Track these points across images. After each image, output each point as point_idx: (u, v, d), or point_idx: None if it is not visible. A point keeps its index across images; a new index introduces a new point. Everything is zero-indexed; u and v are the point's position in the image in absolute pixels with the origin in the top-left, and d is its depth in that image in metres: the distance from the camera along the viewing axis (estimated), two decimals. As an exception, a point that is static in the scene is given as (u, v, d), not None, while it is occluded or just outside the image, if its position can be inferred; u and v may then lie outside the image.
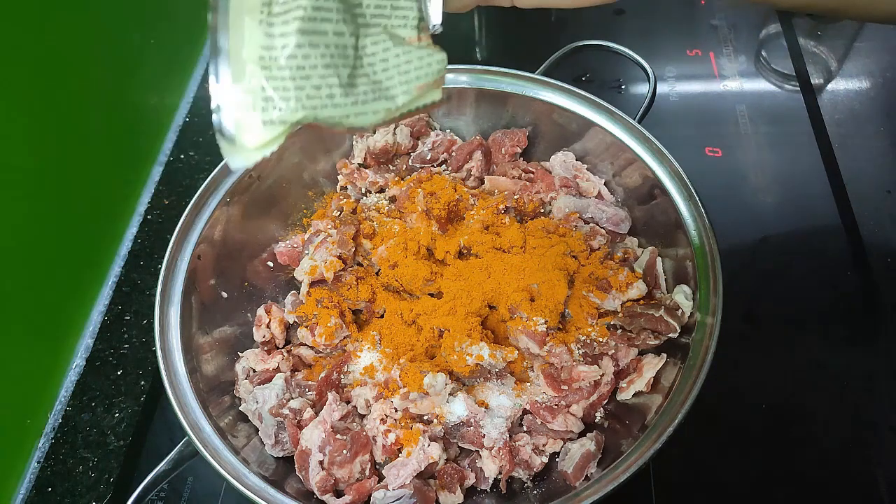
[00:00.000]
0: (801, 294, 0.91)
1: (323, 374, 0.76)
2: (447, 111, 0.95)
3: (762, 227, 0.98)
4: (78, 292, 0.97)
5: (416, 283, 0.80)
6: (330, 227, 0.87)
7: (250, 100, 0.44)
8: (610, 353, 0.75)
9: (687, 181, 0.77)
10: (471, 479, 0.71)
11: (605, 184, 0.88)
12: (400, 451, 0.70)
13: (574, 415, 0.73)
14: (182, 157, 1.15)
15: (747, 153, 1.05)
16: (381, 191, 0.94)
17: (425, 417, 0.72)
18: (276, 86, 0.44)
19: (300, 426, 0.72)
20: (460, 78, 0.91)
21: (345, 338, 0.80)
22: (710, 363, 0.66)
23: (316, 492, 0.68)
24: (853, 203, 0.98)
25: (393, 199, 0.92)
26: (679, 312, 0.74)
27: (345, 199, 0.92)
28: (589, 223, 0.86)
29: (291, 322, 0.83)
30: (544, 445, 0.73)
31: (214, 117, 0.43)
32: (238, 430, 0.74)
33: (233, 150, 0.44)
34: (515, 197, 0.88)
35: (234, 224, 0.85)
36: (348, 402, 0.76)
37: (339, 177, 0.94)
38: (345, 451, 0.69)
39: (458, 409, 0.72)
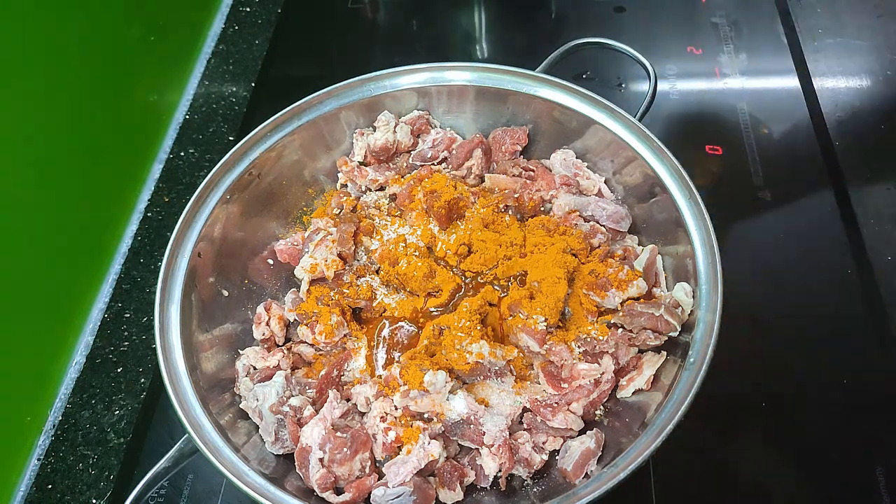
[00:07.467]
0: (800, 292, 0.91)
1: (323, 372, 0.76)
2: (448, 109, 0.95)
3: (763, 225, 0.97)
4: (78, 290, 0.97)
5: (416, 280, 0.80)
6: (330, 225, 0.87)
7: None
8: (610, 351, 0.75)
9: (687, 179, 0.77)
10: (471, 477, 0.71)
11: (605, 182, 0.88)
12: (400, 448, 0.70)
13: (574, 412, 0.73)
14: (182, 154, 1.15)
15: (748, 151, 1.05)
16: (382, 189, 0.94)
17: (425, 415, 0.72)
18: None
19: (300, 424, 0.72)
20: (461, 75, 0.91)
21: (345, 335, 0.80)
22: (710, 361, 0.66)
23: (316, 489, 0.69)
24: (854, 201, 0.97)
25: (393, 197, 0.92)
26: (679, 310, 0.74)
27: (345, 197, 0.92)
28: (589, 221, 0.86)
29: (291, 320, 0.83)
30: (544, 443, 0.73)
31: None
32: (238, 427, 0.74)
33: None
34: (516, 195, 0.88)
35: (234, 222, 0.85)
36: (348, 400, 0.76)
37: (340, 174, 0.94)
38: (345, 449, 0.69)
39: (458, 406, 0.72)
